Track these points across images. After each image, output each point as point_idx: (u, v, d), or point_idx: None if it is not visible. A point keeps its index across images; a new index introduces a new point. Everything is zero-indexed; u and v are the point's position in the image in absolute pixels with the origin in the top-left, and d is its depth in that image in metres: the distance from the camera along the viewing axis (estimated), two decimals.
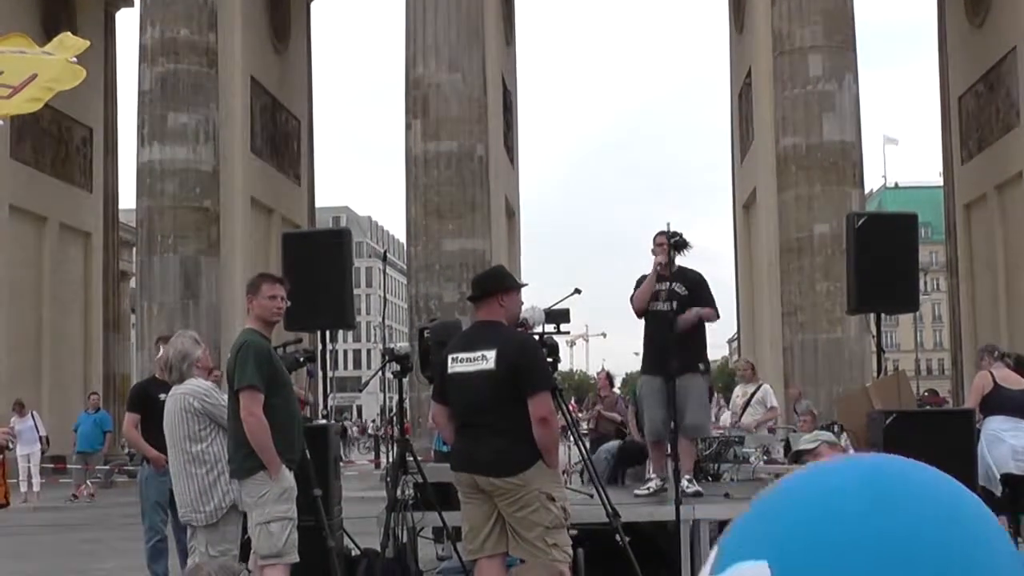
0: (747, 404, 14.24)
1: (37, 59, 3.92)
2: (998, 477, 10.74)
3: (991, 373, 11.25)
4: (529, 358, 6.48)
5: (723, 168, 35.59)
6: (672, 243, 9.19)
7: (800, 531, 0.82)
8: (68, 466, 23.95)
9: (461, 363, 6.48)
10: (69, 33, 4.22)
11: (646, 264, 9.67)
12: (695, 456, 10.51)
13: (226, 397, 7.42)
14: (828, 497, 0.84)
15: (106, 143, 33.74)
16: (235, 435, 6.75)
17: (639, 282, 9.72)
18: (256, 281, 7.15)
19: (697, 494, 9.34)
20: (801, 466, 5.44)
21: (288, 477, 6.80)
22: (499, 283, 6.75)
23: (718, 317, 9.86)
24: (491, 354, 6.35)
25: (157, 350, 8.81)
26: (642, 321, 9.79)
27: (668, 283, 9.40)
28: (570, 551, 6.63)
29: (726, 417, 16.74)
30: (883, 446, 8.82)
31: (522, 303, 7.03)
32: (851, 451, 6.81)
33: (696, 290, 9.61)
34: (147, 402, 8.77)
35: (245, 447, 6.65)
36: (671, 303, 9.30)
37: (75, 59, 3.90)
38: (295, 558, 6.82)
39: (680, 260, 9.51)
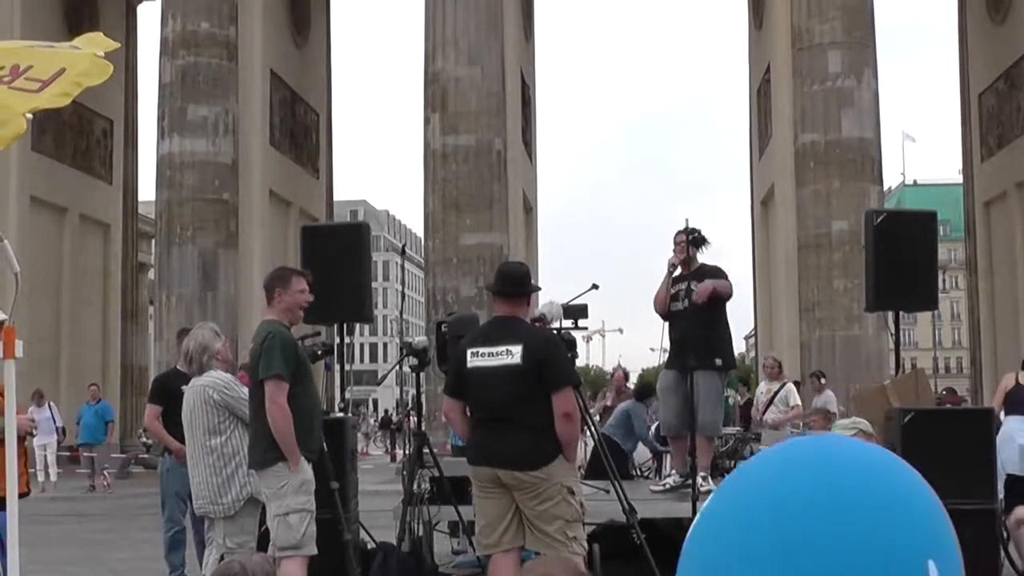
0: (770, 402, 14.26)
1: (65, 53, 3.95)
2: (1004, 477, 10.65)
3: (1017, 374, 11.18)
4: (555, 354, 6.50)
5: (741, 164, 35.59)
6: (690, 239, 9.21)
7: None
8: (85, 454, 24.03)
9: (482, 357, 6.47)
10: (101, 34, 4.25)
11: (664, 260, 9.71)
12: (712, 454, 10.55)
13: (246, 390, 7.44)
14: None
15: (126, 135, 33.83)
16: (256, 425, 6.75)
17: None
18: (286, 274, 7.17)
19: (710, 492, 9.34)
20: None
21: (307, 469, 6.81)
22: (530, 286, 6.82)
23: (730, 293, 9.78)
24: (516, 349, 6.35)
25: (178, 343, 8.82)
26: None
27: (686, 283, 9.46)
28: (585, 545, 6.65)
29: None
30: (901, 444, 8.81)
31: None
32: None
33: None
34: (169, 394, 8.79)
35: (265, 438, 6.65)
36: (687, 302, 9.37)
37: (102, 54, 3.92)
38: (313, 550, 6.83)
39: (699, 256, 9.54)
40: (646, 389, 14.43)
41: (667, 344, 9.97)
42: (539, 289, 6.97)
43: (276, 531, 6.72)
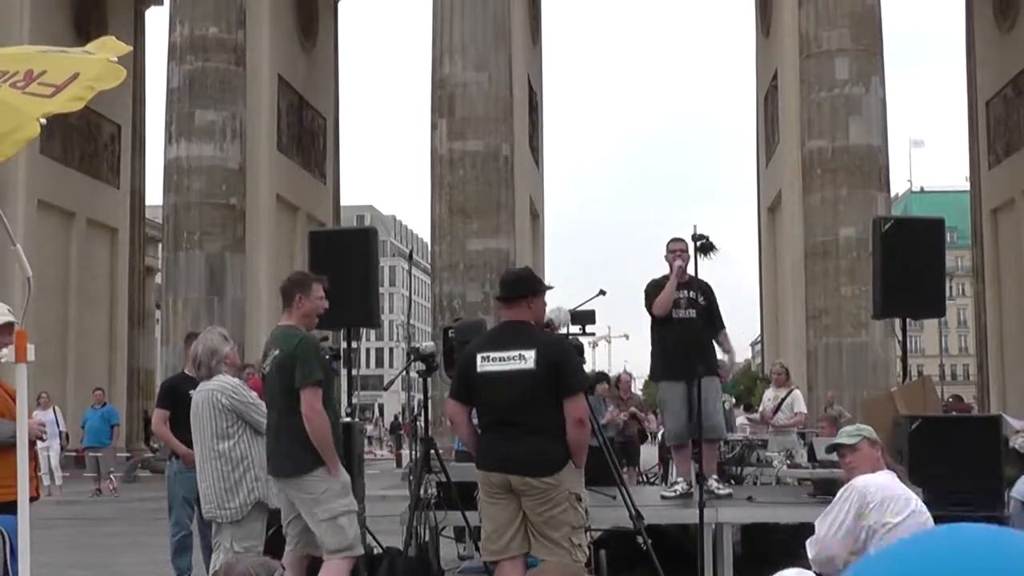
0: (777, 408, 14.25)
1: (79, 58, 3.96)
2: None
3: None
4: (568, 359, 6.50)
5: (748, 170, 35.59)
6: (699, 246, 9.19)
7: None
8: (91, 455, 24.06)
9: (493, 362, 6.45)
10: (113, 37, 4.26)
11: (667, 267, 9.68)
12: (717, 458, 10.61)
13: (254, 394, 7.43)
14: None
15: (134, 140, 33.91)
16: (290, 432, 6.70)
17: (651, 287, 9.73)
18: (306, 280, 7.12)
19: (729, 496, 9.46)
20: (839, 459, 5.33)
21: (344, 471, 6.87)
22: (529, 287, 6.74)
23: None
24: (530, 354, 6.34)
25: (186, 347, 8.82)
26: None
27: (687, 291, 9.46)
28: (587, 551, 6.64)
29: (742, 421, 16.76)
30: (908, 451, 8.80)
31: (545, 305, 7.04)
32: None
33: (709, 300, 9.69)
34: (177, 398, 8.79)
35: (299, 444, 6.63)
36: (692, 311, 9.38)
37: (116, 59, 3.93)
38: (361, 550, 6.95)
39: (707, 263, 9.54)
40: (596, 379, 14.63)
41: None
42: (543, 288, 6.87)
43: (325, 535, 6.72)
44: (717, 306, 9.82)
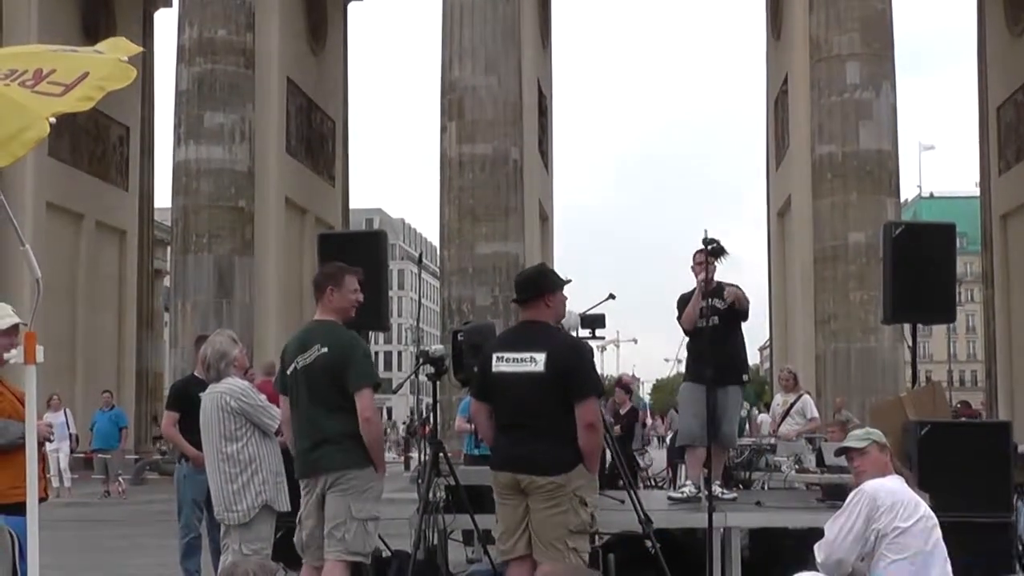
0: (786, 413, 14.21)
1: (89, 57, 3.95)
2: None
3: None
4: (580, 363, 6.45)
5: (758, 175, 35.51)
6: (709, 250, 9.19)
7: None
8: (100, 456, 24.11)
9: (507, 363, 6.43)
10: (124, 38, 4.25)
11: (678, 271, 9.76)
12: (724, 464, 10.65)
13: (263, 397, 7.42)
14: None
15: (143, 142, 33.97)
16: (340, 427, 6.56)
17: (681, 301, 9.82)
18: (338, 273, 6.90)
19: (733, 500, 9.47)
20: (847, 462, 5.32)
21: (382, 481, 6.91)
22: (543, 285, 6.66)
23: (746, 309, 9.87)
24: (540, 357, 6.31)
25: (196, 350, 8.82)
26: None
27: (707, 300, 9.48)
28: (587, 557, 6.59)
29: (763, 419, 16.68)
30: (917, 457, 8.78)
31: (566, 299, 6.96)
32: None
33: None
34: (187, 401, 8.77)
35: (350, 438, 6.53)
36: (713, 319, 9.40)
37: (126, 59, 3.92)
38: (369, 560, 6.92)
39: (717, 266, 9.56)
40: None
41: (682, 355, 10.05)
42: (559, 283, 6.77)
43: (353, 534, 6.59)
44: (742, 302, 9.80)
